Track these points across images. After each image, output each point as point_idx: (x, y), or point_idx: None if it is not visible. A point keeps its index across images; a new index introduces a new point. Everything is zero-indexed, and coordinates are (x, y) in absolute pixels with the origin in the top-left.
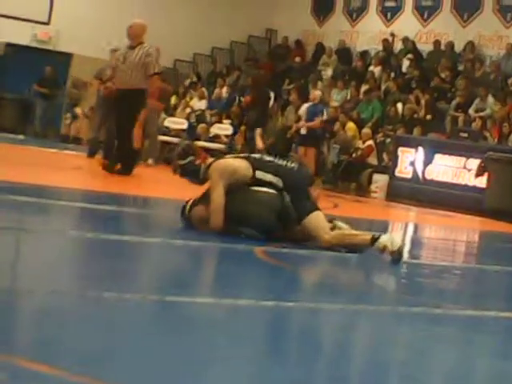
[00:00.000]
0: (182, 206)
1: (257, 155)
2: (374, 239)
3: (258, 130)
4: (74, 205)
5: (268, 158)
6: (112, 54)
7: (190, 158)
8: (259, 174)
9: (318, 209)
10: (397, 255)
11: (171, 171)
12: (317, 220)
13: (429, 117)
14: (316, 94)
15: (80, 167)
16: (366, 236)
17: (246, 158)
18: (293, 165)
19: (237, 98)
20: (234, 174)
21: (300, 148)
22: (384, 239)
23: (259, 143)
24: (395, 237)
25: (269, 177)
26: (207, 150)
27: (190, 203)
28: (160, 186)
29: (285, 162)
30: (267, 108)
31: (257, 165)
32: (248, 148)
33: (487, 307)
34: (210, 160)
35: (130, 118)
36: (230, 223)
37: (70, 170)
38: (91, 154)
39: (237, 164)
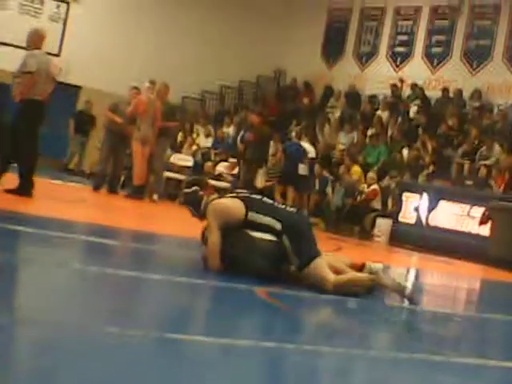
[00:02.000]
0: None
1: (257, 196)
2: (373, 279)
3: (262, 170)
4: (78, 238)
5: (268, 201)
6: (131, 92)
7: (195, 188)
8: (253, 216)
9: (319, 253)
10: (404, 293)
11: (178, 201)
12: (319, 269)
13: (434, 163)
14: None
15: (84, 200)
16: (366, 277)
17: (242, 199)
18: (292, 209)
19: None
20: (227, 214)
21: (277, 187)
22: (384, 278)
23: (259, 182)
24: (396, 278)
25: (265, 219)
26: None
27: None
28: (164, 222)
29: (284, 206)
30: (268, 147)
31: (253, 206)
32: (244, 186)
33: (488, 356)
34: (213, 196)
35: (20, 129)
36: (228, 265)
37: (75, 203)
38: (97, 187)
39: (229, 204)
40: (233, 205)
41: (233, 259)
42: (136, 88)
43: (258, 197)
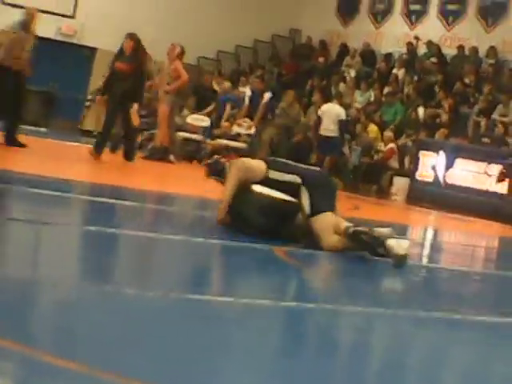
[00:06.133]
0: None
1: (278, 159)
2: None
3: (135, 106)
4: (95, 199)
5: (290, 162)
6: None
7: (216, 157)
8: (274, 174)
9: (333, 211)
10: (401, 259)
11: (203, 172)
12: (325, 220)
13: (451, 121)
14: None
15: (103, 161)
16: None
17: (264, 160)
18: (314, 167)
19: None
20: (249, 170)
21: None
22: (391, 242)
23: (136, 119)
24: (402, 242)
25: (287, 176)
26: (230, 149)
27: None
28: (181, 182)
29: (307, 166)
30: (145, 81)
31: (274, 165)
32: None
33: (507, 313)
34: (235, 160)
35: None
36: (232, 219)
37: (93, 164)
38: (113, 149)
39: (251, 161)
40: (254, 162)
41: (235, 214)
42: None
43: (282, 160)
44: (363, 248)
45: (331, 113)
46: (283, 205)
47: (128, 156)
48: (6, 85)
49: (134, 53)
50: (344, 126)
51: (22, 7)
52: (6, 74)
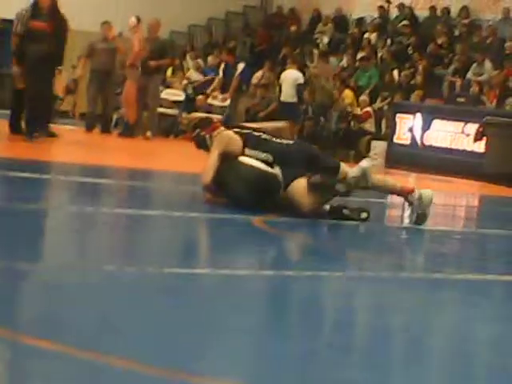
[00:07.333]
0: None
1: (257, 133)
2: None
3: (60, 70)
4: (74, 179)
5: (265, 137)
6: (104, 27)
7: (197, 131)
8: (249, 152)
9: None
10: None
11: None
12: (298, 184)
13: (426, 83)
14: None
15: (78, 141)
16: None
17: (242, 135)
18: (288, 141)
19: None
20: (228, 143)
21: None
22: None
23: (60, 90)
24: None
25: (260, 155)
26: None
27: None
28: (158, 158)
29: (280, 140)
30: (65, 43)
31: (249, 142)
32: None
33: (488, 271)
34: (217, 131)
35: None
36: (217, 188)
37: (69, 145)
38: (89, 128)
39: (231, 135)
40: (234, 137)
41: (221, 183)
42: (107, 23)
43: (258, 134)
44: (330, 195)
45: (289, 78)
46: (270, 177)
47: (30, 129)
48: None
49: (53, 11)
50: (300, 90)
51: None
52: None
